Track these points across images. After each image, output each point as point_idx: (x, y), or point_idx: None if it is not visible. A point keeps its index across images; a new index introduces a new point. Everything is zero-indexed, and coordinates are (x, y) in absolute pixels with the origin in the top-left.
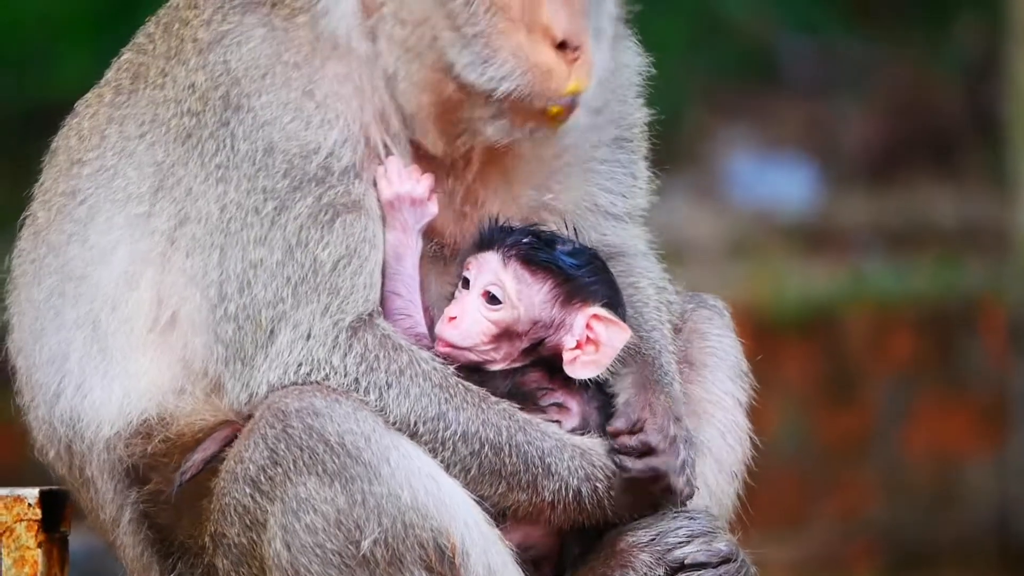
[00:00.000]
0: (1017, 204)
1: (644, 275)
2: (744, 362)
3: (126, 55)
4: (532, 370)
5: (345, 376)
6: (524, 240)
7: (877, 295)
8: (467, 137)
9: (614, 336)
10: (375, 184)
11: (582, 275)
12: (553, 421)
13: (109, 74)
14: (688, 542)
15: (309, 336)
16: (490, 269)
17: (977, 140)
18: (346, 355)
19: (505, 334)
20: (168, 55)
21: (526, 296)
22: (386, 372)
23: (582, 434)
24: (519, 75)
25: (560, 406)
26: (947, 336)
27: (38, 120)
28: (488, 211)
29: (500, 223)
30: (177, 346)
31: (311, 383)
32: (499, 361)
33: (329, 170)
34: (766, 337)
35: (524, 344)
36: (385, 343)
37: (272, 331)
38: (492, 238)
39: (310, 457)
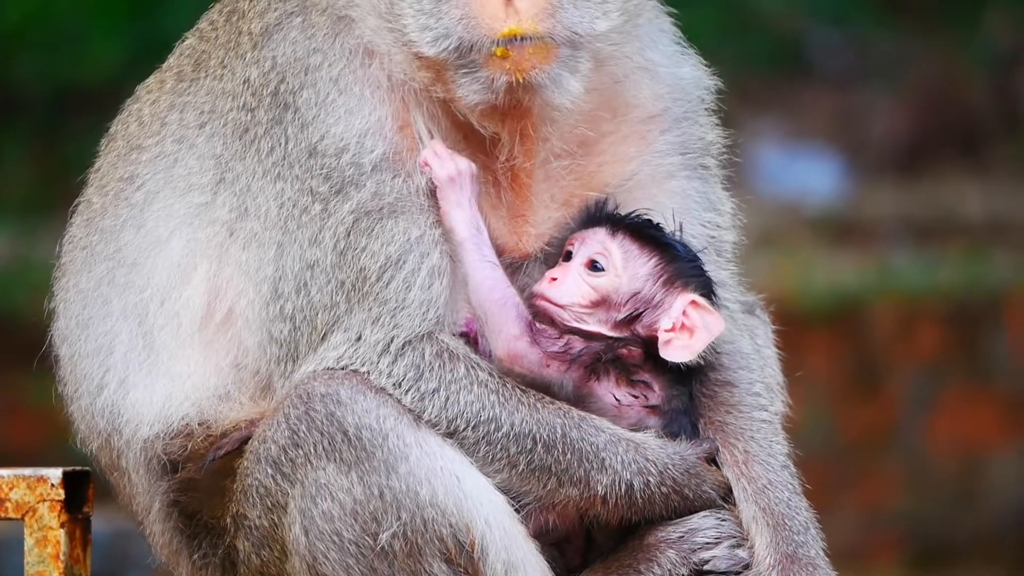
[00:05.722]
0: None
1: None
2: (779, 375)
3: (189, 40)
4: (630, 345)
5: (389, 377)
6: (634, 217)
7: (903, 287)
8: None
9: (710, 324)
10: (420, 171)
11: (687, 259)
12: (636, 397)
13: (171, 59)
14: (715, 544)
15: (359, 339)
16: (596, 240)
17: (1005, 134)
18: (395, 361)
19: (604, 302)
20: (228, 45)
21: (631, 266)
22: (438, 380)
23: (656, 423)
24: (455, 27)
25: (647, 385)
26: (973, 329)
27: (68, 102)
28: (541, 216)
29: (607, 203)
30: (229, 345)
31: (347, 372)
32: (592, 326)
33: (360, 167)
34: (792, 328)
35: (621, 315)
36: (442, 355)
37: (325, 334)
38: (600, 215)
39: (329, 443)
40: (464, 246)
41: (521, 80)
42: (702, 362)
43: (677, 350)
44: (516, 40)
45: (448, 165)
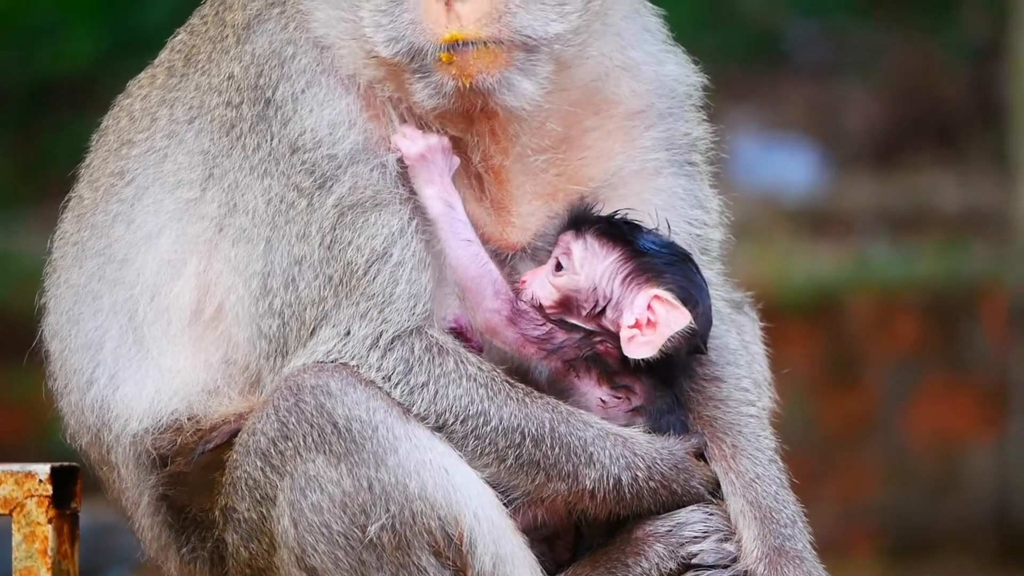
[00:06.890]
0: (1020, 189)
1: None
2: (767, 372)
3: (180, 36)
4: (606, 341)
5: (378, 371)
6: (603, 216)
7: (880, 279)
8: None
9: (672, 320)
10: (394, 158)
11: (654, 256)
12: (619, 399)
13: (163, 54)
14: (703, 538)
15: (348, 334)
16: (564, 241)
17: (981, 125)
18: (384, 355)
19: (567, 300)
20: (215, 40)
21: (589, 264)
22: (427, 374)
23: (639, 421)
24: (405, 30)
25: (628, 389)
26: (950, 321)
27: (45, 96)
28: (524, 209)
29: (585, 205)
30: (219, 340)
31: (337, 364)
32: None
33: (335, 159)
34: (770, 320)
35: (584, 312)
36: (432, 349)
37: (314, 329)
38: (575, 217)
39: (319, 435)
40: (438, 223)
41: (468, 84)
42: (673, 358)
43: (639, 346)
44: (458, 45)
45: (418, 143)
